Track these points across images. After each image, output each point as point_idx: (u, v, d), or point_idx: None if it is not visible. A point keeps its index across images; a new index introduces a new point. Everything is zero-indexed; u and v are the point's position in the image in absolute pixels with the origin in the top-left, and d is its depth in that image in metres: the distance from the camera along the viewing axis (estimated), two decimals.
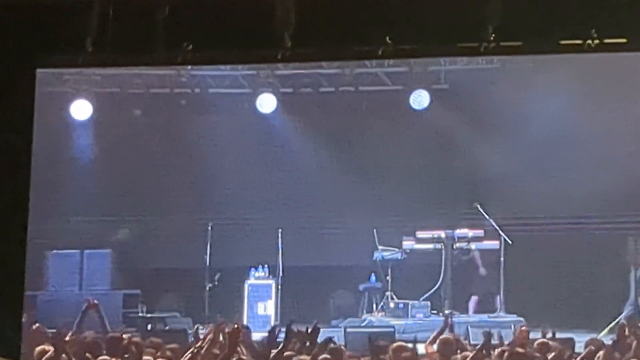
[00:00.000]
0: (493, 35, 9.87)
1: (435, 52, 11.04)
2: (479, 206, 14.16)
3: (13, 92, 10.11)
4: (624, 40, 9.96)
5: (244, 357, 9.04)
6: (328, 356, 9.26)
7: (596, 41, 9.84)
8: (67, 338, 10.30)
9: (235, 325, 9.37)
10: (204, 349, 9.76)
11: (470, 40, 10.12)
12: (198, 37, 10.37)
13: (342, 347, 10.66)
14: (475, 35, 10.01)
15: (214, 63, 12.20)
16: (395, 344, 10.64)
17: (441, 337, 10.34)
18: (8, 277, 10.22)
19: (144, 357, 10.45)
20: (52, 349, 10.36)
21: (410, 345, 10.32)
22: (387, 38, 9.99)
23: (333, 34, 10.21)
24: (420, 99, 14.77)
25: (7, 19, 10.06)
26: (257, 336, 11.78)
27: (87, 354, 10.35)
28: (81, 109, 14.67)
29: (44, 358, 10.16)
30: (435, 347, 10.28)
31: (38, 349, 10.43)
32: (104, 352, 10.56)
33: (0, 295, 9.96)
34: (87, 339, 11.18)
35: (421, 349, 10.77)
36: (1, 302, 9.89)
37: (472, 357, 9.59)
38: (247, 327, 11.97)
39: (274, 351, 9.34)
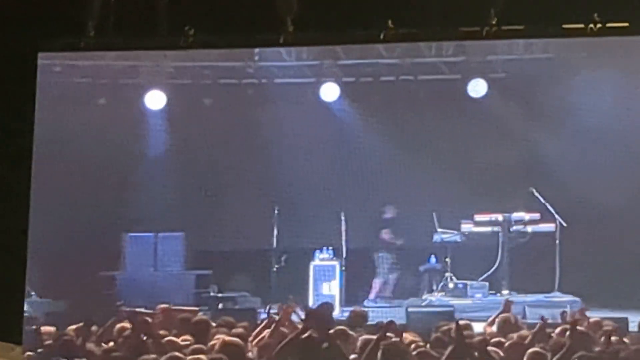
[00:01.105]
0: (495, 19, 9.76)
1: (437, 36, 10.92)
2: (534, 190, 14.19)
3: (15, 76, 10.00)
4: (626, 24, 9.83)
5: (315, 335, 9.12)
6: (391, 334, 9.34)
7: (598, 25, 9.72)
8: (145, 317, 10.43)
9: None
10: (274, 328, 9.92)
11: (472, 24, 10.01)
12: (200, 21, 10.25)
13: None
14: (477, 19, 9.90)
15: (215, 47, 11.86)
16: (451, 321, 10.72)
17: (501, 316, 10.40)
18: (10, 266, 10.06)
19: (216, 335, 10.59)
20: (130, 326, 10.56)
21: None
22: (389, 22, 9.92)
23: (335, 18, 10.09)
24: (477, 88, 14.81)
25: (9, 4, 9.93)
26: None
27: (163, 331, 10.51)
28: (155, 99, 14.83)
29: (124, 334, 10.38)
30: (494, 327, 10.33)
31: (118, 326, 10.64)
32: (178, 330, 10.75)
33: (3, 283, 9.81)
34: (161, 318, 11.33)
35: (478, 327, 10.86)
36: (4, 290, 9.75)
37: (531, 336, 9.66)
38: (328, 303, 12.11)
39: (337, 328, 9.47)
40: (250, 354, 9.85)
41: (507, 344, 9.70)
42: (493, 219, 14.51)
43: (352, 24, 10.21)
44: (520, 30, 10.24)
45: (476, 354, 9.14)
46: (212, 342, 10.22)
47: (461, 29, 10.28)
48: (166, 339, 10.05)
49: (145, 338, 9.80)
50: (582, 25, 9.85)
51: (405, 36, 10.29)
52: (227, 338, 9.82)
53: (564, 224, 14.12)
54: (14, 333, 9.87)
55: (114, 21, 10.42)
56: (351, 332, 10.00)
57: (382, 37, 10.13)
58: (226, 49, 13.31)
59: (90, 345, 10.20)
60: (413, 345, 10.02)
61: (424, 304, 14.14)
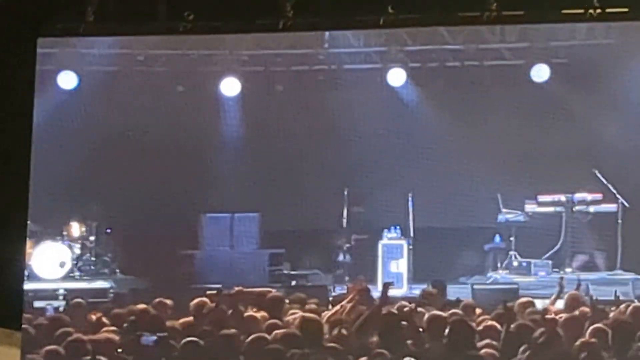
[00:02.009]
0: (495, 4, 9.64)
1: (436, 21, 10.77)
2: (597, 172, 14.21)
3: (15, 60, 9.89)
4: (625, 10, 9.68)
5: (394, 311, 9.26)
6: (460, 312, 9.46)
7: (598, 10, 9.57)
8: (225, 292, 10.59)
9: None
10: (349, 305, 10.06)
11: (472, 9, 9.87)
12: (199, 7, 10.11)
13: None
14: (477, 4, 9.77)
15: (214, 32, 11.66)
16: (520, 300, 10.80)
17: (569, 293, 10.42)
18: (9, 252, 9.97)
19: (289, 311, 10.77)
20: (208, 301, 10.78)
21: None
22: (389, 7, 9.81)
23: (334, 3, 9.96)
24: (540, 72, 14.83)
25: None
26: (391, 292, 12.06)
27: (240, 307, 10.72)
28: (230, 86, 15.01)
29: (204, 309, 10.60)
30: (560, 304, 10.37)
31: (196, 301, 10.86)
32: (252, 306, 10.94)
33: (1, 270, 9.78)
34: (237, 294, 11.51)
35: (536, 304, 10.93)
36: (3, 276, 9.74)
37: (592, 313, 9.71)
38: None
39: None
40: (325, 329, 10.01)
41: (568, 319, 9.77)
42: (556, 199, 14.56)
43: (351, 9, 10.09)
44: (520, 16, 10.13)
45: (540, 330, 9.23)
46: (286, 318, 10.41)
47: (461, 14, 10.18)
48: (246, 314, 10.26)
49: (228, 312, 9.98)
50: (581, 11, 9.72)
51: (404, 21, 10.18)
52: (306, 314, 9.99)
53: (627, 205, 14.13)
54: (13, 319, 9.75)
55: (113, 6, 10.29)
56: (421, 309, 10.13)
57: (381, 22, 10.03)
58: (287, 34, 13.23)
59: (171, 320, 10.43)
60: (479, 321, 10.14)
61: (489, 281, 14.24)
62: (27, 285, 13.79)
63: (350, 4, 10.09)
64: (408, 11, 10.10)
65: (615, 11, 9.72)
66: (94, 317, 10.64)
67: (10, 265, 9.82)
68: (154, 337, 9.51)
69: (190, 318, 10.53)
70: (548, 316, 9.77)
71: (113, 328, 10.37)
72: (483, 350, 8.95)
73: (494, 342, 9.13)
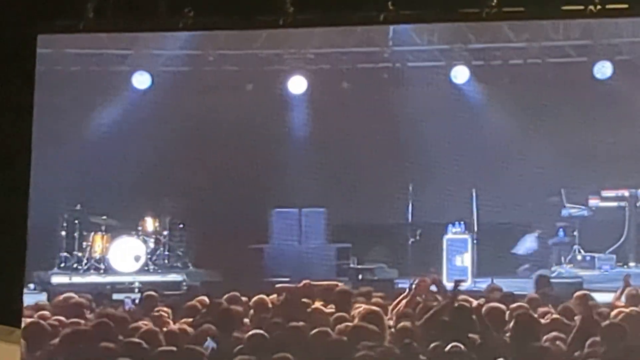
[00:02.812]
0: (496, 0, 9.40)
1: (437, 17, 10.54)
2: None
3: (15, 58, 9.70)
4: (625, 6, 9.41)
5: (464, 303, 9.13)
6: (525, 305, 9.30)
7: (598, 7, 9.33)
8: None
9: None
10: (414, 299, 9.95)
11: (472, 5, 9.63)
12: (199, 3, 9.91)
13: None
14: (477, 1, 9.52)
15: (214, 28, 11.47)
16: (579, 292, 10.64)
17: (628, 289, 10.25)
18: (8, 249, 9.76)
19: (355, 304, 10.69)
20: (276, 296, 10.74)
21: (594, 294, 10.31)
22: (389, 4, 9.59)
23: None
24: (603, 70, 14.59)
25: None
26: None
27: (303, 299, 10.68)
28: (297, 84, 14.97)
29: (275, 302, 10.56)
30: (623, 299, 10.19)
31: (257, 297, 10.81)
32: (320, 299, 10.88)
33: (2, 267, 9.60)
34: (305, 287, 11.47)
35: (600, 297, 10.74)
36: (2, 273, 9.55)
37: None
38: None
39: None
40: (390, 322, 9.91)
41: (632, 314, 9.57)
42: (619, 194, 14.33)
43: (352, 5, 9.89)
44: (520, 13, 9.91)
45: (606, 323, 9.04)
46: (353, 311, 10.32)
47: (461, 10, 9.97)
48: (313, 306, 10.19)
49: (297, 305, 9.94)
50: (581, 7, 9.48)
51: (405, 18, 9.98)
52: (367, 307, 9.91)
53: None
54: (13, 316, 9.60)
55: (113, 3, 10.12)
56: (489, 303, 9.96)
57: (381, 18, 9.83)
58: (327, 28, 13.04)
59: (240, 313, 10.39)
60: (544, 315, 9.97)
61: (553, 275, 14.04)
62: (105, 279, 13.94)
63: (350, 0, 9.90)
64: (408, 8, 9.90)
65: (615, 7, 9.46)
66: (166, 309, 10.64)
67: (10, 262, 9.67)
68: (214, 344, 9.45)
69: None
70: (614, 311, 9.57)
71: (185, 320, 10.36)
72: (549, 343, 8.76)
73: (561, 335, 8.93)
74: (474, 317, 9.00)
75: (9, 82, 9.77)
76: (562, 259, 14.37)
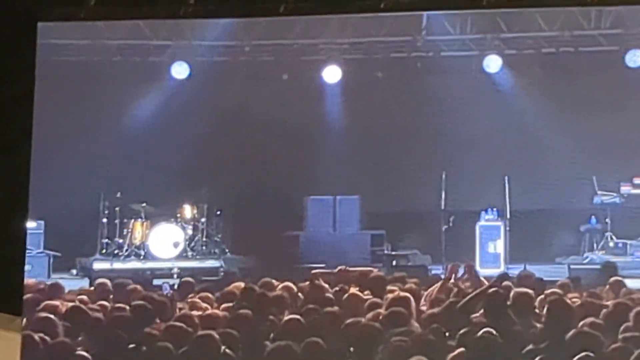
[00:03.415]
0: None
1: (437, 5, 10.34)
2: None
3: (15, 46, 9.49)
4: None
5: (497, 289, 9.01)
6: (559, 291, 9.18)
7: None
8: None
9: None
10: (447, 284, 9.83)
11: None
12: None
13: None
14: None
15: (215, 16, 11.23)
16: (612, 278, 10.51)
17: None
18: (9, 237, 9.48)
19: (388, 289, 10.61)
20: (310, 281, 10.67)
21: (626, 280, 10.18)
22: None
23: None
24: (635, 58, 14.44)
25: None
26: (489, 272, 11.83)
27: (342, 285, 10.60)
28: (332, 74, 14.91)
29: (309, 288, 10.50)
30: None
31: (293, 284, 10.73)
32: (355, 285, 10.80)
33: (3, 255, 9.39)
34: (340, 273, 11.41)
35: (632, 284, 10.61)
36: (4, 261, 9.37)
37: None
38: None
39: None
40: (423, 308, 9.82)
41: None
42: None
43: None
44: (519, 0, 9.70)
45: (637, 309, 8.89)
46: (386, 296, 10.23)
47: None
48: (348, 293, 10.12)
49: (330, 292, 9.88)
50: None
51: (406, 5, 9.77)
52: (396, 294, 9.83)
53: None
54: (13, 304, 9.30)
55: None
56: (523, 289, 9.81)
57: (382, 6, 9.63)
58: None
59: (276, 298, 10.31)
60: (575, 301, 9.83)
61: (585, 261, 13.88)
62: (145, 265, 13.95)
63: None
64: None
65: None
66: (203, 294, 10.61)
67: (10, 250, 9.51)
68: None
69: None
70: None
71: (222, 305, 10.32)
72: (582, 329, 8.60)
73: (596, 320, 8.78)
74: (507, 303, 8.87)
75: (8, 73, 9.62)
76: (595, 245, 14.23)
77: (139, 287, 10.73)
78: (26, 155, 9.52)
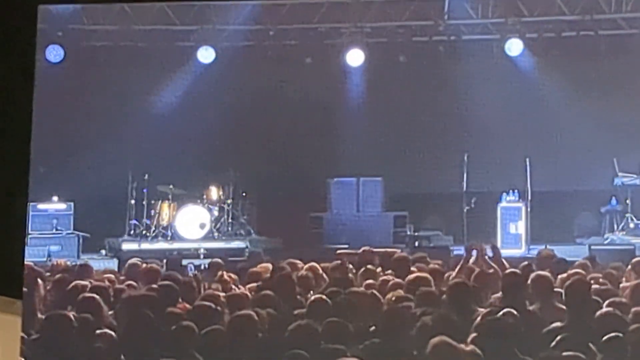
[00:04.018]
0: None
1: None
2: None
3: (15, 28, 9.31)
4: None
5: (517, 271, 8.93)
6: (581, 271, 9.05)
7: None
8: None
9: None
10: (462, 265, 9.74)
11: None
12: None
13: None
14: None
15: None
16: (634, 259, 10.40)
17: None
18: (9, 220, 9.27)
19: (412, 268, 10.55)
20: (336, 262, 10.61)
21: None
22: None
23: None
24: None
25: None
26: (510, 252, 11.73)
27: (369, 266, 10.54)
28: (355, 57, 14.81)
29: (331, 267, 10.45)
30: None
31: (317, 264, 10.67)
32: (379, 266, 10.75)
33: (3, 238, 9.18)
34: (364, 254, 11.36)
35: None
36: (3, 245, 9.19)
37: None
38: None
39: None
40: (443, 288, 9.73)
41: None
42: None
43: None
44: None
45: None
46: (408, 277, 10.15)
47: None
48: (372, 273, 10.05)
49: (353, 272, 9.82)
50: None
51: None
52: (419, 274, 9.77)
53: None
54: (14, 287, 9.05)
55: None
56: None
57: None
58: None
59: (301, 279, 10.26)
60: (595, 281, 9.72)
61: (606, 242, 13.75)
62: (172, 245, 13.95)
63: None
64: None
65: None
66: (229, 274, 10.57)
67: (10, 233, 9.34)
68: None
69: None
70: None
71: (248, 285, 10.28)
72: (603, 310, 8.49)
73: (617, 299, 8.67)
74: (528, 283, 8.77)
75: (6, 54, 9.48)
76: (615, 226, 14.09)
77: (163, 268, 10.70)
78: (26, 138, 9.37)
